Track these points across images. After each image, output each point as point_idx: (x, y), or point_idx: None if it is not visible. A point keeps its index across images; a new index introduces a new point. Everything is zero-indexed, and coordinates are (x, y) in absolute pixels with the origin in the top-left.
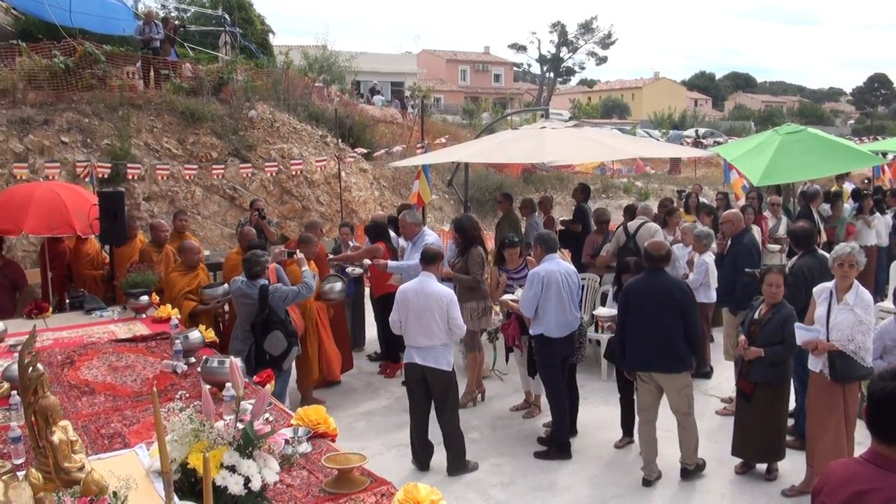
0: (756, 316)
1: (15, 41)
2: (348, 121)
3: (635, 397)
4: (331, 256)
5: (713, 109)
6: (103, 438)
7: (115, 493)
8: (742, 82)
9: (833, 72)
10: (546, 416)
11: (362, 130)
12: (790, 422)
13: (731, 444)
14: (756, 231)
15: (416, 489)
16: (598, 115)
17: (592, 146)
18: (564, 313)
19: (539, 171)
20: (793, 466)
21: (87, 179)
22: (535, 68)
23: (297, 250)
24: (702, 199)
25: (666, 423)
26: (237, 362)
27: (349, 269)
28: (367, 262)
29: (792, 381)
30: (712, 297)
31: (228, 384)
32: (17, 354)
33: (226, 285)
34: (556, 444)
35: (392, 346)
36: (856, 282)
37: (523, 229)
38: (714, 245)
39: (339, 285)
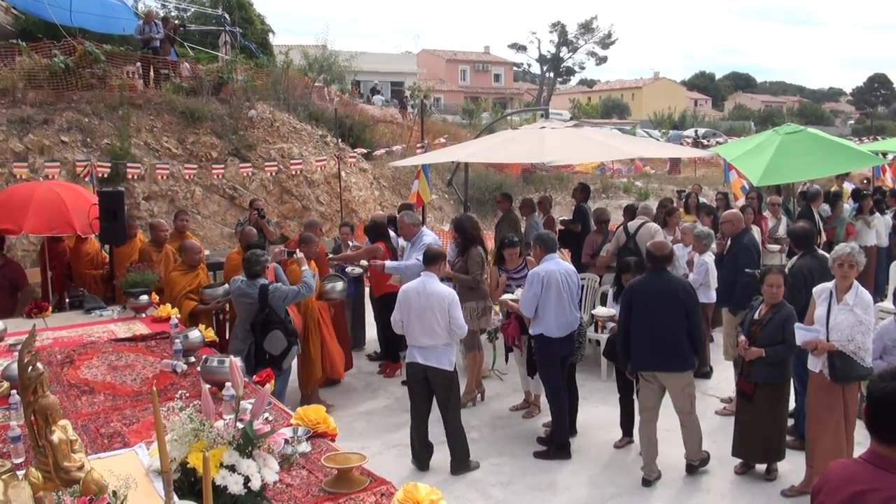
0: (756, 316)
1: (15, 40)
2: (348, 120)
3: (635, 397)
4: (330, 256)
5: (713, 109)
6: (103, 438)
7: (114, 493)
8: (742, 82)
9: (833, 72)
10: (546, 416)
11: (362, 130)
12: (790, 422)
13: (731, 444)
14: (756, 231)
15: (415, 489)
16: (597, 115)
17: (592, 146)
18: (564, 313)
19: (539, 171)
20: (792, 467)
21: (86, 179)
22: (535, 68)
23: (297, 250)
24: (701, 199)
25: (666, 423)
26: (237, 362)
27: (349, 269)
28: (364, 262)
29: (792, 381)
30: (712, 297)
31: (228, 383)
32: (16, 354)
33: (226, 285)
34: (556, 443)
35: (392, 346)
36: (855, 282)
37: (523, 229)
38: (714, 245)
39: (340, 285)
